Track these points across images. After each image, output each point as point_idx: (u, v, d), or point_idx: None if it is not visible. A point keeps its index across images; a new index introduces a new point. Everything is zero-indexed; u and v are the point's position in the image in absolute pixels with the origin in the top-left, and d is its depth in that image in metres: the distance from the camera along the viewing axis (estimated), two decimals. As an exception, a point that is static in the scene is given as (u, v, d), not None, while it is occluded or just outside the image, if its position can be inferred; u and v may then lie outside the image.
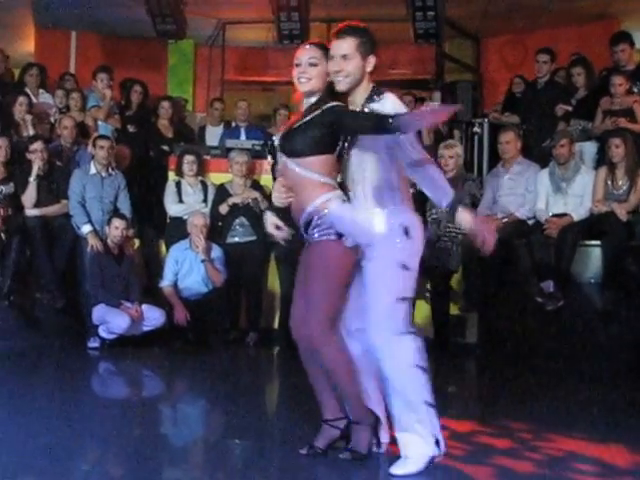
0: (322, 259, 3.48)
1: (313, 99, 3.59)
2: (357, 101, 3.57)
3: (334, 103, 3.51)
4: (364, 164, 3.54)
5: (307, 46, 3.65)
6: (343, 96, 3.57)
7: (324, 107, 3.50)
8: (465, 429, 4.18)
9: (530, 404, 5.07)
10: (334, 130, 3.49)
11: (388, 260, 3.46)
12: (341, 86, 3.54)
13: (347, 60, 3.51)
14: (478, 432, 4.19)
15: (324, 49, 3.59)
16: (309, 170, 3.51)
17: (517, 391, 5.57)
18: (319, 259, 3.50)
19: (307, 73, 3.56)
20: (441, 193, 3.54)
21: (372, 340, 3.46)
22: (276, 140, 3.68)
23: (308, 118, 3.53)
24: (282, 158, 3.61)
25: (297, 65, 3.59)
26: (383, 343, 3.44)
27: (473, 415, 4.74)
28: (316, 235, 3.50)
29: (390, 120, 3.25)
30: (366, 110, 3.52)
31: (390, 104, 3.50)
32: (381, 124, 3.30)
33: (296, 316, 3.59)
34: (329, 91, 3.58)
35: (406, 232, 3.47)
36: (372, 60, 3.55)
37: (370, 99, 3.55)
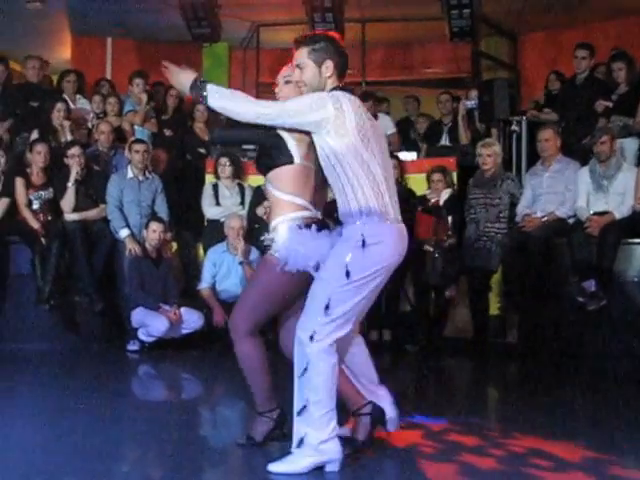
0: (260, 272, 3.73)
1: None
2: None
3: None
4: (329, 179, 3.55)
5: (285, 66, 3.76)
6: None
7: None
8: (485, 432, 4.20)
9: (553, 407, 4.98)
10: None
11: (336, 260, 3.43)
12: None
13: (301, 69, 3.58)
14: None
15: None
16: (271, 184, 3.62)
17: (548, 393, 5.49)
18: (259, 272, 3.77)
19: (282, 91, 3.72)
20: None
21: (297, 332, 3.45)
22: None
23: None
24: None
25: (276, 84, 3.75)
26: (299, 342, 3.42)
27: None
28: (268, 248, 3.64)
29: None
30: None
31: None
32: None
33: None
34: None
35: (363, 243, 3.41)
36: (329, 64, 3.56)
37: None
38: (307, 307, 3.45)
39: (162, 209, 7.33)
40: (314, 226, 3.57)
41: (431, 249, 6.79)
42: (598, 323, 6.45)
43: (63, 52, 10.97)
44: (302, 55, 3.56)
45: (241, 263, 7.00)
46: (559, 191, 6.83)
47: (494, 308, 6.95)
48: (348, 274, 3.38)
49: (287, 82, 3.70)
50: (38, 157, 7.18)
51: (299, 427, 3.42)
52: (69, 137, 7.71)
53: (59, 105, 7.82)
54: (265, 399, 3.79)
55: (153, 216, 7.17)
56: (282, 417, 3.79)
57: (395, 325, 7.15)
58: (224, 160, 7.56)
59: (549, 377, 6.05)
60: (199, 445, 4.03)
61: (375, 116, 6.95)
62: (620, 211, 6.57)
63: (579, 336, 6.56)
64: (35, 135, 7.72)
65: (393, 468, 3.66)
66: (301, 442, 3.40)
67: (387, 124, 8.36)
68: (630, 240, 6.52)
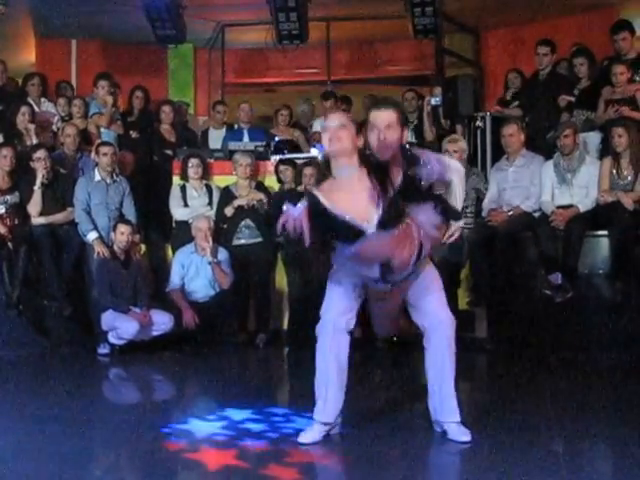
0: None
1: (343, 161, 3.75)
2: None
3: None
4: None
5: (334, 112, 4.06)
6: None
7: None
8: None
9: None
10: None
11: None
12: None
13: (389, 130, 3.75)
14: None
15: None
16: None
17: (516, 385, 5.56)
18: None
19: (337, 134, 3.74)
20: None
21: (448, 319, 4.00)
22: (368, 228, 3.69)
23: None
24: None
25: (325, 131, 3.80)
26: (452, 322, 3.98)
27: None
28: None
29: None
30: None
31: None
32: None
33: None
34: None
35: None
36: (407, 132, 3.90)
37: None
38: (440, 297, 4.07)
39: (130, 211, 7.31)
40: None
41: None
42: (565, 315, 6.54)
43: (27, 55, 10.86)
44: (393, 118, 3.77)
45: (211, 263, 7.01)
46: (524, 185, 6.91)
47: (462, 303, 7.00)
48: None
49: (343, 126, 3.76)
50: (3, 161, 7.12)
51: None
52: (34, 140, 7.66)
53: (24, 108, 7.77)
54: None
55: (120, 218, 7.15)
56: None
57: (365, 322, 7.17)
58: (195, 161, 7.55)
59: (518, 370, 6.11)
60: (172, 447, 4.04)
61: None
62: (584, 204, 6.67)
63: (547, 328, 6.64)
64: (0, 139, 7.67)
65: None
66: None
67: None
68: (594, 232, 6.62)
